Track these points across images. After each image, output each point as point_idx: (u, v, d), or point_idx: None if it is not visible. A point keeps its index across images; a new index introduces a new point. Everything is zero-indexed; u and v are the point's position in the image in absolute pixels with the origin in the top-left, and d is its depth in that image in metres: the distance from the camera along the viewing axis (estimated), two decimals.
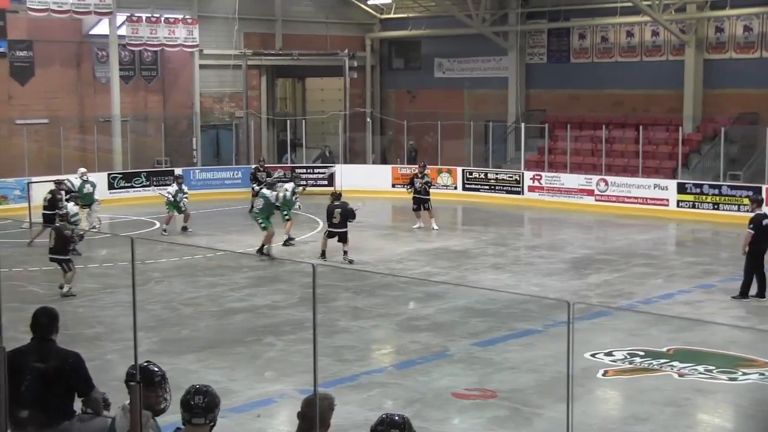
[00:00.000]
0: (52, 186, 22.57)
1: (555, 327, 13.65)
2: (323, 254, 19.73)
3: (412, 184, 24.76)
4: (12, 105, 29.93)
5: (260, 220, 20.15)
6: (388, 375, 12.11)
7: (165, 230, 23.32)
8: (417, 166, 26.32)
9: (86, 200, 22.59)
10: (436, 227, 24.03)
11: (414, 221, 24.47)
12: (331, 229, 19.78)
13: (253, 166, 28.69)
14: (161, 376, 6.18)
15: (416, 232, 23.74)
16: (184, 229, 23.69)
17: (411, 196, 24.65)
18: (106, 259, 20.01)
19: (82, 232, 19.04)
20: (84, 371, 6.61)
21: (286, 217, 21.20)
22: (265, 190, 20.79)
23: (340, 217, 19.67)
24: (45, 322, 6.67)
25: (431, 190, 24.98)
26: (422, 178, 24.72)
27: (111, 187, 29.65)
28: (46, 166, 28.78)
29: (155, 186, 29.72)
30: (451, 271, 18.90)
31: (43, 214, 21.85)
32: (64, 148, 29.57)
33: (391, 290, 16.95)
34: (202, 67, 33.36)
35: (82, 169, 24.14)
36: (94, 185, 23.57)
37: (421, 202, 24.44)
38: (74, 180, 23.59)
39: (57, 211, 20.54)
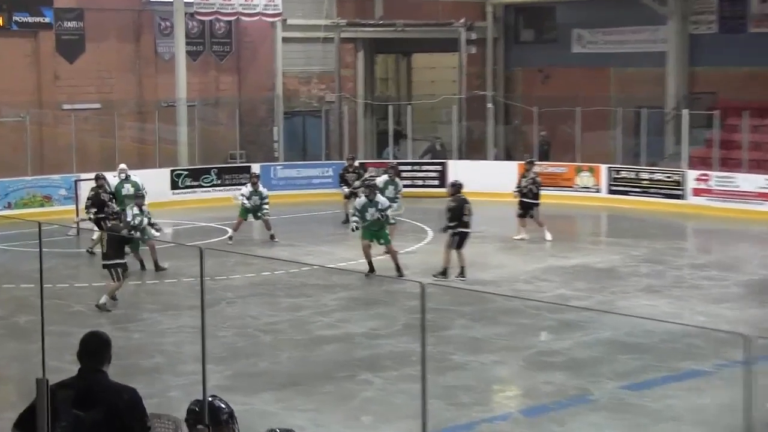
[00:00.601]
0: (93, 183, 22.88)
1: (729, 368, 13.31)
2: (445, 272, 19.57)
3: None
4: (58, 87, 30.76)
5: (381, 241, 20.17)
6: (513, 423, 11.99)
7: (231, 239, 23.63)
8: (523, 162, 25.94)
9: (123, 205, 21.97)
10: (549, 238, 23.78)
11: (517, 230, 24.23)
12: (462, 230, 19.55)
13: (345, 163, 28.78)
14: (229, 414, 6.19)
15: (547, 245, 23.49)
16: (272, 237, 23.92)
17: (517, 199, 24.45)
18: (169, 274, 20.31)
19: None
20: (141, 410, 6.64)
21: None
22: (359, 200, 20.83)
23: (469, 213, 19.62)
24: (94, 350, 6.69)
25: (540, 192, 24.65)
26: (529, 177, 24.43)
27: (174, 186, 30.17)
28: (98, 160, 29.37)
29: (228, 185, 30.13)
30: (594, 294, 18.63)
31: (93, 218, 22.29)
32: (118, 138, 30.21)
33: (518, 317, 16.77)
34: (285, 40, 33.71)
35: (122, 166, 24.15)
36: (136, 185, 23.47)
37: (527, 207, 24.23)
38: (111, 179, 23.61)
39: (106, 209, 20.98)
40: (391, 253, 20.11)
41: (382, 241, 20.16)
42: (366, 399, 12.76)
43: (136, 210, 20.16)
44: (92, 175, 26.10)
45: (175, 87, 31.30)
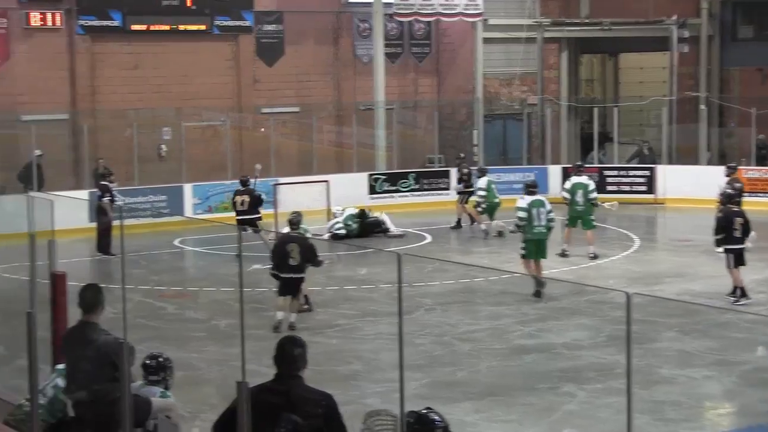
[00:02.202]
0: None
1: None
2: (743, 292, 18.25)
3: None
4: (257, 90, 31.61)
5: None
6: None
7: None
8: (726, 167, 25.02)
9: None
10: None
11: None
12: (732, 246, 18.27)
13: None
14: (443, 428, 6.26)
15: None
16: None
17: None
18: (366, 280, 20.62)
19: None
20: (338, 418, 6.80)
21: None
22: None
23: (741, 228, 18.31)
24: (291, 355, 6.91)
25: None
26: (731, 183, 23.32)
27: (372, 190, 30.57)
28: (296, 164, 30.13)
29: (426, 190, 30.39)
30: None
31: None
32: (316, 142, 30.82)
33: (732, 331, 16.37)
34: (486, 41, 33.77)
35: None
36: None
37: None
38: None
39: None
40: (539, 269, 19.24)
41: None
42: (569, 412, 12.69)
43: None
44: (292, 179, 26.85)
45: (373, 90, 31.76)
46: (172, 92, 30.18)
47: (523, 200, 19.42)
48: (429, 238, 25.34)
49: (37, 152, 26.82)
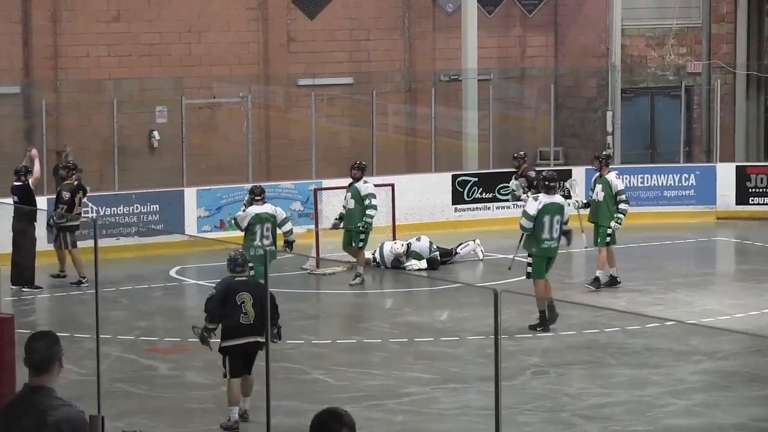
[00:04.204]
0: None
1: None
2: None
3: None
4: (293, 53, 32.10)
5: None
6: None
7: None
8: None
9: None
10: None
11: None
12: None
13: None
14: None
15: None
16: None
17: None
18: (448, 330, 20.66)
19: None
20: None
21: None
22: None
23: None
24: None
25: None
26: None
27: (458, 199, 30.35)
28: (346, 158, 29.89)
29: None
30: None
31: None
32: (377, 128, 30.59)
33: None
34: None
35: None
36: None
37: None
38: None
39: None
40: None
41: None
42: None
43: None
44: (338, 181, 26.82)
45: (461, 53, 31.71)
46: (170, 56, 30.35)
47: (535, 202, 20.07)
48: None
49: None
